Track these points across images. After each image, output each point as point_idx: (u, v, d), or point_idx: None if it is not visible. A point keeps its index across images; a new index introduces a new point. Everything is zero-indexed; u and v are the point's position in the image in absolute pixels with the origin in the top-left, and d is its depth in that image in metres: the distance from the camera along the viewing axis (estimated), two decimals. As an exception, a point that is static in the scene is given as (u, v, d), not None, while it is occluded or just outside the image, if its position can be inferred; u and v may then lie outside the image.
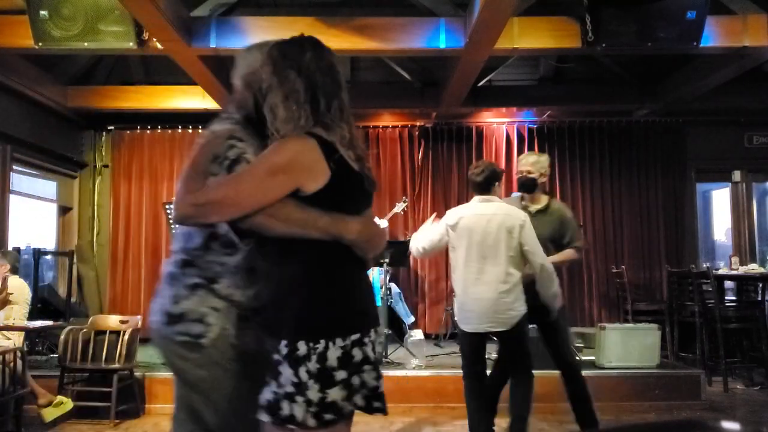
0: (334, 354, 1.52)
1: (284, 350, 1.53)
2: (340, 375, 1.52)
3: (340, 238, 1.59)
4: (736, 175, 7.67)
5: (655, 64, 6.75)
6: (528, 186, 3.86)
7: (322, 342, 1.52)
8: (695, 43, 4.79)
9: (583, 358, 5.54)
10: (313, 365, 1.51)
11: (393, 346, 5.72)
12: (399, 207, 6.79)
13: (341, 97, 1.68)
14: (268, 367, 1.55)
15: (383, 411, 1.65)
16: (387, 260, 5.53)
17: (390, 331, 5.72)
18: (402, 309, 6.69)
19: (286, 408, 1.51)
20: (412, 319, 6.90)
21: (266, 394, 1.55)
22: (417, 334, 7.02)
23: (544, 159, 3.91)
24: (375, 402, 1.63)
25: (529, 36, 5.06)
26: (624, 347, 5.20)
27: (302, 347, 1.52)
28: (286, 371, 1.52)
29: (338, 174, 1.61)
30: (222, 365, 1.73)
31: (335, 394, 1.52)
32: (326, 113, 1.64)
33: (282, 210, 1.57)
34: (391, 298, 6.34)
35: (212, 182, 1.63)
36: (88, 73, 6.89)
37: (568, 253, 3.80)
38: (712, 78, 6.03)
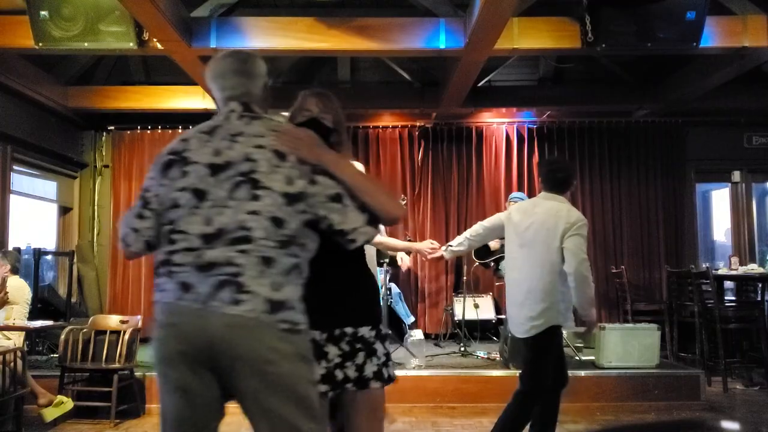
0: (384, 334, 2.13)
1: (372, 333, 2.08)
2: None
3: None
4: (736, 176, 7.68)
5: (655, 64, 6.76)
6: None
7: (382, 325, 2.16)
8: (695, 44, 4.80)
9: (583, 358, 5.56)
10: (386, 342, 2.12)
11: (393, 346, 5.72)
12: (398, 207, 6.79)
13: None
14: (361, 348, 2.06)
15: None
16: (387, 260, 5.54)
17: (390, 331, 5.71)
18: (402, 309, 6.70)
19: (385, 372, 2.07)
20: (412, 319, 6.90)
21: (370, 367, 2.05)
22: (417, 334, 7.00)
23: None
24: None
25: (529, 36, 5.07)
26: (624, 347, 5.20)
27: (383, 329, 2.13)
28: (379, 347, 2.08)
29: None
30: (307, 357, 1.75)
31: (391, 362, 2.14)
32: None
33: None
34: (391, 298, 6.35)
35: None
36: (88, 73, 6.89)
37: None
38: (711, 78, 6.03)
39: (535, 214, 3.32)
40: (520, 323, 3.30)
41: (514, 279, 3.38)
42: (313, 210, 1.76)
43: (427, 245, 3.60)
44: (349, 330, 2.04)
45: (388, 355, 2.11)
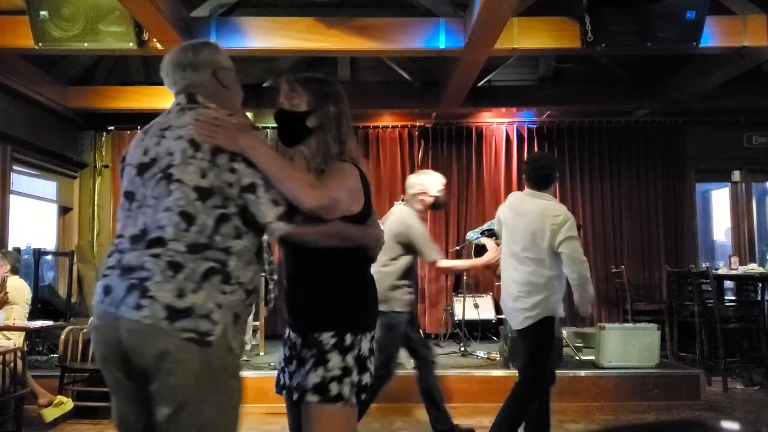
0: (366, 345, 1.85)
1: (331, 341, 1.81)
2: (370, 364, 1.86)
3: (365, 246, 1.90)
4: (736, 175, 7.68)
5: (655, 64, 6.76)
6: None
7: (360, 335, 1.84)
8: (695, 44, 4.80)
9: (583, 358, 5.56)
10: (355, 353, 1.82)
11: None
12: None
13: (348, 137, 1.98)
14: (303, 356, 1.85)
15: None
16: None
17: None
18: (402, 309, 6.68)
19: (334, 388, 1.78)
20: (412, 319, 6.89)
21: (312, 378, 1.80)
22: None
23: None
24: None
25: (529, 36, 5.07)
26: (623, 347, 5.20)
27: (348, 338, 1.82)
28: (335, 358, 1.80)
29: (368, 199, 1.92)
30: (217, 373, 1.60)
31: (366, 379, 1.84)
32: (352, 143, 1.97)
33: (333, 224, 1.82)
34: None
35: (325, 181, 1.82)
36: (88, 73, 6.89)
37: None
38: (711, 78, 6.03)
39: (524, 213, 3.39)
40: (515, 315, 3.37)
41: (508, 273, 3.44)
42: (232, 202, 1.65)
43: (492, 254, 3.68)
44: (315, 335, 1.84)
45: (346, 370, 1.79)
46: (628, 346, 5.21)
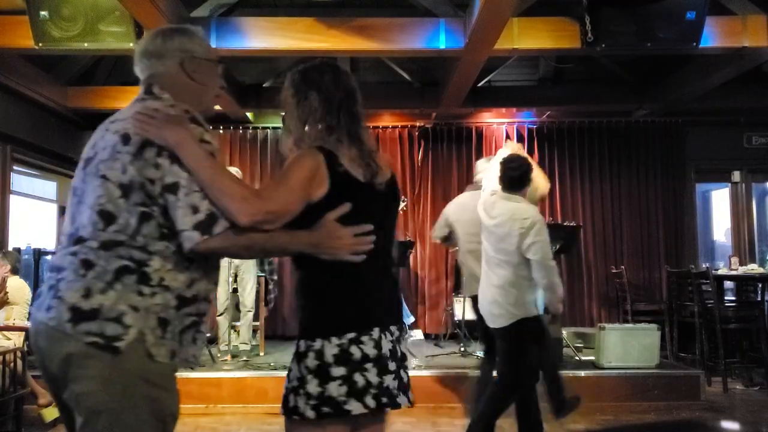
0: (330, 351, 1.63)
1: (298, 348, 1.70)
2: (338, 371, 1.62)
3: (305, 251, 1.69)
4: (736, 176, 7.68)
5: (655, 64, 6.76)
6: None
7: (319, 341, 1.65)
8: (695, 44, 4.80)
9: (583, 358, 5.56)
10: (311, 361, 1.64)
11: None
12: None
13: (356, 112, 1.89)
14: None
15: (402, 404, 1.74)
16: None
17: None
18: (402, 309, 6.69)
19: (291, 400, 1.65)
20: (412, 319, 6.90)
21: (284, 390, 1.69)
22: (417, 334, 7.03)
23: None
24: (400, 397, 1.72)
25: (529, 36, 5.07)
26: (623, 347, 5.20)
27: (302, 346, 1.68)
28: (293, 367, 1.68)
29: (340, 185, 1.71)
30: (126, 380, 1.46)
31: (334, 389, 1.61)
32: (342, 128, 1.81)
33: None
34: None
35: (263, 189, 1.67)
36: (88, 73, 6.89)
37: None
38: (711, 78, 6.03)
39: (496, 217, 3.40)
40: (491, 316, 3.42)
41: (484, 274, 3.49)
42: (154, 201, 1.50)
43: None
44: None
45: (302, 380, 1.64)
46: (628, 346, 5.21)
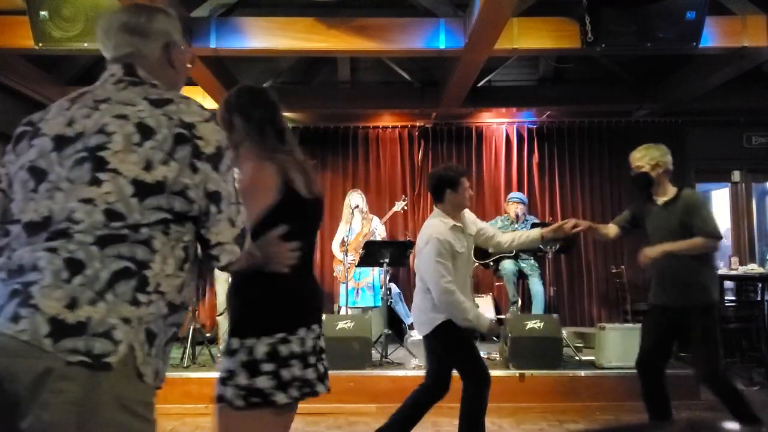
0: (261, 349, 1.81)
1: (226, 347, 1.88)
2: (267, 367, 1.81)
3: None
4: (736, 176, 7.68)
5: (655, 64, 6.76)
6: (639, 181, 3.82)
7: (251, 339, 1.82)
8: (694, 44, 4.80)
9: (583, 358, 5.56)
10: (243, 357, 1.82)
11: (393, 346, 5.72)
12: (398, 205, 6.79)
13: (282, 125, 2.02)
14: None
15: (319, 392, 1.93)
16: (387, 260, 5.54)
17: (390, 331, 5.72)
18: (402, 309, 6.70)
19: (219, 389, 1.84)
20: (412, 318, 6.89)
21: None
22: (417, 334, 7.01)
23: (654, 149, 3.83)
24: (305, 388, 1.89)
25: (529, 36, 5.07)
26: (624, 347, 5.19)
27: (235, 343, 1.84)
28: (224, 361, 1.86)
29: (285, 196, 1.88)
30: (103, 410, 1.24)
31: (262, 382, 1.80)
32: (276, 143, 1.97)
33: None
34: (391, 298, 6.35)
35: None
36: (88, 73, 6.89)
37: (692, 241, 3.50)
38: (711, 78, 6.03)
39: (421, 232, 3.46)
40: (416, 327, 3.54)
41: (416, 287, 3.52)
42: (189, 206, 1.38)
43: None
44: None
45: (232, 373, 1.81)
46: (628, 346, 5.19)
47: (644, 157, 3.75)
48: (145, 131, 1.35)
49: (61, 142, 1.37)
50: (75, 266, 1.26)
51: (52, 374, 1.21)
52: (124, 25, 1.54)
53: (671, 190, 3.78)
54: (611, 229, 3.88)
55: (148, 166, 1.33)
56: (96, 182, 1.31)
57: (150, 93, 1.44)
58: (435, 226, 3.32)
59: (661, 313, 3.65)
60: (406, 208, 6.96)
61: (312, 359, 1.91)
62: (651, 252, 3.62)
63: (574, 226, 3.62)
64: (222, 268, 1.54)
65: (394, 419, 3.49)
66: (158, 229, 1.35)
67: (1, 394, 1.24)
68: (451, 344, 3.34)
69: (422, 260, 3.32)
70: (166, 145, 1.36)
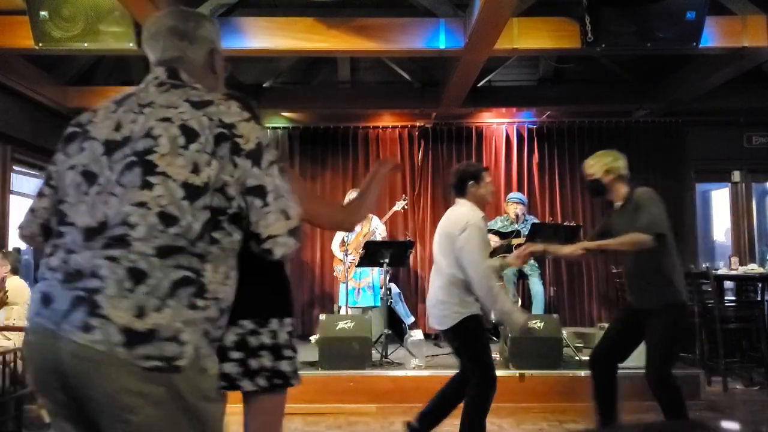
0: (230, 338, 1.90)
1: None
2: (235, 355, 1.91)
3: None
4: (736, 176, 7.68)
5: (655, 64, 6.76)
6: (592, 188, 3.82)
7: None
8: (694, 44, 4.80)
9: (583, 358, 5.55)
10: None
11: (393, 346, 5.72)
12: (399, 205, 6.80)
13: None
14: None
15: (285, 385, 2.00)
16: (387, 260, 5.54)
17: (390, 331, 5.72)
18: (402, 309, 6.70)
19: None
20: (412, 319, 6.90)
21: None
22: (417, 334, 6.99)
23: (605, 156, 3.85)
24: (276, 379, 1.97)
25: (529, 36, 5.07)
26: (623, 347, 5.18)
27: None
28: None
29: None
30: (187, 401, 1.34)
31: (228, 368, 1.89)
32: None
33: None
34: (391, 298, 6.35)
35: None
36: (88, 73, 6.90)
37: (623, 238, 3.49)
38: (711, 78, 6.03)
39: (442, 224, 3.46)
40: (435, 320, 3.50)
41: (431, 280, 3.55)
42: (230, 204, 1.41)
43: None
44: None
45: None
46: (628, 346, 5.20)
47: (595, 165, 3.77)
48: (189, 134, 1.39)
49: (110, 147, 1.42)
50: (138, 276, 1.31)
51: (132, 380, 1.28)
52: (174, 29, 1.58)
53: (625, 193, 3.78)
54: (574, 247, 3.76)
55: (195, 169, 1.37)
56: (147, 186, 1.35)
57: (191, 95, 1.47)
58: (468, 214, 3.33)
59: (631, 314, 3.65)
60: (406, 207, 6.96)
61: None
62: (587, 245, 3.65)
63: (531, 253, 3.63)
64: (283, 260, 1.59)
65: (433, 406, 3.59)
66: (209, 239, 1.39)
67: (72, 396, 1.32)
68: (471, 341, 3.36)
69: (461, 246, 3.24)
70: (208, 147, 1.39)
